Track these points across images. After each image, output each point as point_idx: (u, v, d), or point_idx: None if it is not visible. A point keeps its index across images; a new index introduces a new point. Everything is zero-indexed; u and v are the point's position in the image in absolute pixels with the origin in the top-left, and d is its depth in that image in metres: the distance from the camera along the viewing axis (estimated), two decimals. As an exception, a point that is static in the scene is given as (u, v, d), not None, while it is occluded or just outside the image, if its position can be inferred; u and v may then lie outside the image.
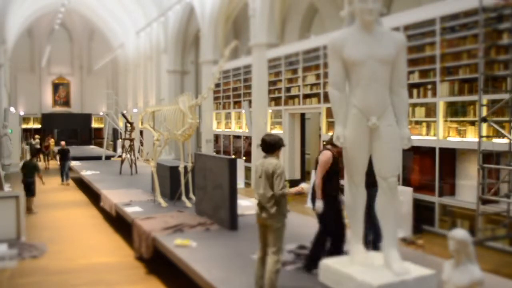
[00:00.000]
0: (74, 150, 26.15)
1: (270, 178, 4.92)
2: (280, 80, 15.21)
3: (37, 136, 30.59)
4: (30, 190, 12.24)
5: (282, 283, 5.18)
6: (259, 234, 5.11)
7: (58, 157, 18.50)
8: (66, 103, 38.89)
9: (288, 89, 14.85)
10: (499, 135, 8.04)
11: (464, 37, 8.92)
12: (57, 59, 37.63)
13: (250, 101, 16.73)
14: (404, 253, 5.31)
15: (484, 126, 8.09)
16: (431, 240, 8.78)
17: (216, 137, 20.17)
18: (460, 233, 3.50)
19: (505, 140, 8.00)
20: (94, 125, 38.92)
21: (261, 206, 4.97)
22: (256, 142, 16.20)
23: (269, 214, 4.89)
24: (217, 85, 17.86)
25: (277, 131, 15.72)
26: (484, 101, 8.04)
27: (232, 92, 18.51)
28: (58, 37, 36.35)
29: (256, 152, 16.18)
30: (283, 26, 18.25)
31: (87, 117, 38.48)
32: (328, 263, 5.11)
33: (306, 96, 13.94)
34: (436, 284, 4.59)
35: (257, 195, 5.05)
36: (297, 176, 15.13)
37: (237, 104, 18.13)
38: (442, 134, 9.30)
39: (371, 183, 5.24)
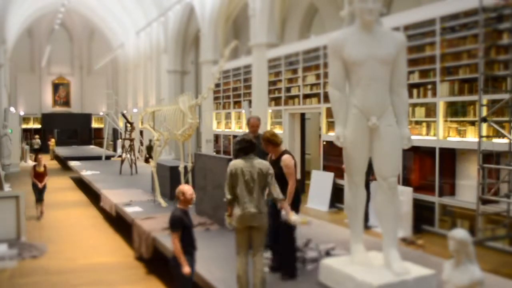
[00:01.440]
0: (75, 150, 26.21)
1: (264, 178, 4.87)
2: (280, 80, 15.21)
3: (36, 136, 30.58)
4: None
5: (282, 283, 5.17)
6: (242, 238, 4.89)
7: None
8: (66, 103, 38.91)
9: (288, 89, 14.85)
10: (499, 135, 8.04)
11: (464, 37, 8.91)
12: (57, 59, 37.66)
13: (250, 101, 16.73)
14: (404, 253, 5.31)
15: (484, 126, 8.09)
16: (431, 240, 8.78)
17: (216, 137, 20.17)
18: (460, 233, 3.50)
19: (505, 140, 8.00)
20: (94, 125, 38.97)
21: (255, 210, 4.80)
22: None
23: (264, 215, 4.86)
24: (217, 85, 17.86)
25: (277, 131, 15.72)
26: (484, 101, 8.04)
27: (232, 92, 18.51)
28: (58, 37, 36.40)
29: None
30: (283, 26, 18.28)
31: (87, 117, 38.52)
32: (328, 263, 5.11)
33: (306, 96, 13.94)
34: (436, 284, 4.59)
35: (248, 198, 4.82)
36: (298, 176, 15.09)
37: (237, 104, 18.13)
38: (442, 134, 9.30)
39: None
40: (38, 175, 11.73)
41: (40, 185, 11.60)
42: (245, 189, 4.85)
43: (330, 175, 12.27)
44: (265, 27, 16.07)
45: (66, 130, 37.49)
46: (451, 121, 9.23)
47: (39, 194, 11.64)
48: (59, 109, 38.46)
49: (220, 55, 18.97)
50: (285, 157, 5.56)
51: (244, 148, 5.01)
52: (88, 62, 39.23)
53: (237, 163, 4.95)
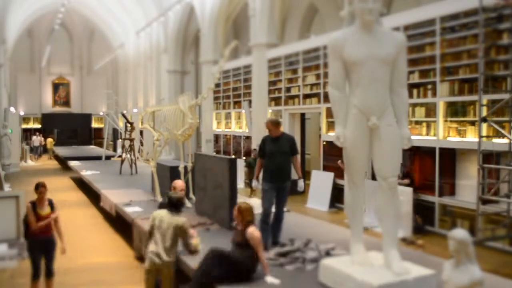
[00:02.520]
0: (75, 150, 26.21)
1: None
2: (280, 80, 15.21)
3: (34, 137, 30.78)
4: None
5: (282, 283, 5.17)
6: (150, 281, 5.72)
7: None
8: (66, 103, 38.92)
9: (288, 89, 14.85)
10: (499, 135, 8.04)
11: (464, 37, 8.92)
12: (57, 59, 37.67)
13: (250, 101, 16.74)
14: (404, 253, 5.30)
15: (484, 126, 8.09)
16: (431, 240, 8.78)
17: (216, 137, 20.18)
18: (460, 233, 3.50)
19: (505, 140, 8.00)
20: (94, 125, 38.98)
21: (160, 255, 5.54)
22: (256, 142, 16.21)
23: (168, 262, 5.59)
24: (217, 85, 17.87)
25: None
26: (484, 101, 8.04)
27: (232, 92, 18.52)
28: (58, 37, 36.39)
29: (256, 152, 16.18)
30: (283, 26, 18.28)
31: (87, 117, 38.53)
32: (328, 263, 5.11)
33: (306, 96, 13.95)
34: (436, 284, 4.59)
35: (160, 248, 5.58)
36: (297, 176, 15.11)
37: (237, 104, 18.14)
38: (442, 134, 9.30)
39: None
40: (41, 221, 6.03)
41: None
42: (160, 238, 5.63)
43: (330, 175, 12.28)
44: (265, 27, 16.08)
45: (66, 130, 37.51)
46: (451, 121, 9.23)
47: (45, 259, 6.10)
48: (59, 109, 38.46)
49: (220, 55, 18.96)
50: (251, 230, 5.29)
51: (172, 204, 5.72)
52: (88, 62, 39.24)
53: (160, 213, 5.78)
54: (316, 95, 13.43)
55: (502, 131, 7.82)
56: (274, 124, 7.01)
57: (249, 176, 13.53)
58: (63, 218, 11.49)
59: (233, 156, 16.27)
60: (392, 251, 4.78)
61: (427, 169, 9.75)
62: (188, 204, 9.64)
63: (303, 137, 15.36)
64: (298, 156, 7.30)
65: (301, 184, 7.10)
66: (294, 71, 14.52)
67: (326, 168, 12.91)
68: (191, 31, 25.59)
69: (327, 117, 12.86)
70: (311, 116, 17.14)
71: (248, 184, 13.54)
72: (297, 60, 14.32)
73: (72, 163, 19.82)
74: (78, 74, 39.32)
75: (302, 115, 15.22)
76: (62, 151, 27.19)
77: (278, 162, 6.77)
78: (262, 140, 7.13)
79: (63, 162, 24.17)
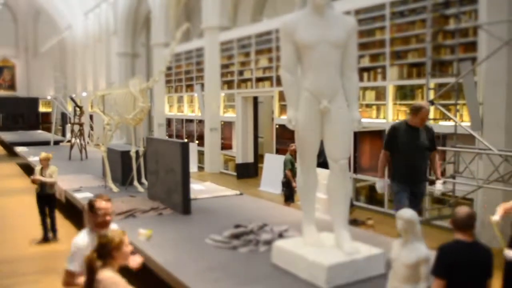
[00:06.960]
0: (21, 136, 25.34)
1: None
2: (233, 64, 15.15)
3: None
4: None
5: (235, 265, 5.20)
6: None
7: None
8: (11, 86, 37.52)
9: (240, 73, 14.81)
10: (445, 117, 8.29)
11: (413, 22, 9.12)
12: (0, 40, 36.14)
13: (202, 85, 16.60)
14: (355, 233, 5.42)
15: (432, 109, 8.32)
16: (380, 220, 9.02)
17: (169, 121, 19.96)
18: (407, 212, 3.60)
19: (451, 123, 8.26)
20: (42, 109, 37.76)
21: None
22: (209, 125, 16.14)
23: None
24: (169, 68, 17.62)
25: (230, 114, 15.69)
26: (432, 85, 8.26)
27: (185, 75, 18.32)
28: (1, 17, 34.95)
29: (209, 136, 16.13)
30: (236, 9, 18.16)
31: (34, 101, 37.24)
32: (281, 245, 5.16)
33: (259, 80, 13.95)
34: (385, 262, 4.72)
35: None
36: (250, 159, 15.19)
37: (190, 87, 17.97)
38: (392, 117, 9.51)
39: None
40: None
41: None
42: None
43: (283, 158, 12.36)
44: (217, 10, 15.92)
45: (12, 115, 36.23)
46: (400, 104, 9.46)
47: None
48: (3, 93, 37.03)
49: (171, 37, 18.66)
50: None
51: None
52: (34, 44, 37.84)
53: None
54: (269, 78, 13.46)
55: (448, 113, 8.06)
56: (414, 110, 5.93)
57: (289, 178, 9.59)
58: (11, 205, 11.18)
59: (186, 140, 16.16)
60: (343, 231, 4.87)
61: (376, 151, 9.96)
62: (140, 189, 9.53)
63: (256, 121, 15.40)
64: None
65: (439, 186, 6.29)
66: (247, 54, 14.48)
67: (279, 151, 13.00)
68: (141, 13, 25.05)
69: (279, 101, 12.92)
70: (264, 100, 17.19)
71: (286, 190, 9.73)
72: (249, 43, 14.27)
73: (19, 149, 19.16)
74: (24, 56, 37.89)
75: (255, 98, 15.23)
76: (7, 136, 26.21)
77: (415, 159, 6.01)
78: (392, 127, 6.24)
79: (8, 148, 23.34)
